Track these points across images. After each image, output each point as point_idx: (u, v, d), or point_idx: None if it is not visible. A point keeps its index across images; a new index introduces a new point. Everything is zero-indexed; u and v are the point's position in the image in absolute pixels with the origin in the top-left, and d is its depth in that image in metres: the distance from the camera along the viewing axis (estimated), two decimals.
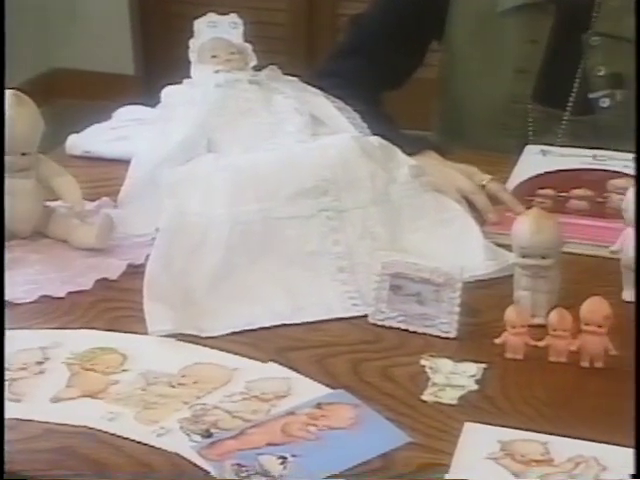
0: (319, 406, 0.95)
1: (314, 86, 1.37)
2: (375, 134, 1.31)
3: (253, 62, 1.34)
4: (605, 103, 1.52)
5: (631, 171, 1.35)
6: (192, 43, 1.34)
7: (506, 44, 1.54)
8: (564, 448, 0.88)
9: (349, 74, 1.53)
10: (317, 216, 1.17)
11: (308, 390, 0.97)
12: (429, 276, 1.06)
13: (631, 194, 1.10)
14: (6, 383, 0.98)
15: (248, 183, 1.17)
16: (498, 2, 1.52)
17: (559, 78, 1.53)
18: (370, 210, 1.19)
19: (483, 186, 1.32)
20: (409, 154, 1.30)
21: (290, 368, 1.01)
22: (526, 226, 1.06)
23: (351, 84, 1.49)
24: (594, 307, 0.98)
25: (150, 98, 1.44)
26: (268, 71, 1.33)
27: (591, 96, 1.52)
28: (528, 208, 1.16)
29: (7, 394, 0.96)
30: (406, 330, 1.08)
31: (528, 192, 1.35)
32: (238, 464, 0.86)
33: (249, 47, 1.35)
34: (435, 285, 1.06)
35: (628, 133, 1.49)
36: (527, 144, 1.50)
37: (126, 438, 0.91)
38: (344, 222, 1.17)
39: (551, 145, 1.50)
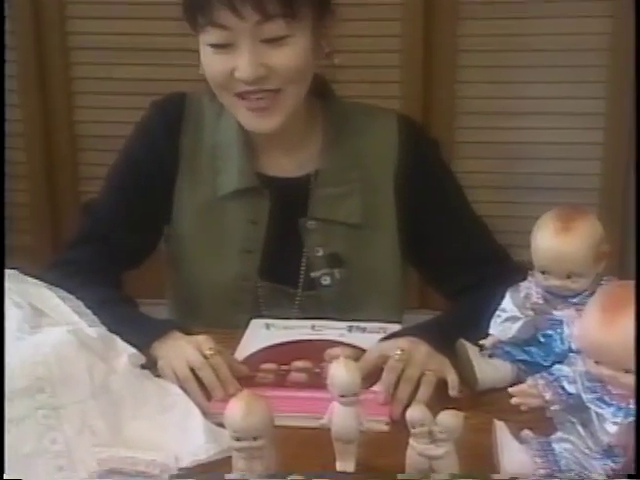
0: None
1: (49, 276, 1.39)
2: (116, 319, 1.34)
3: None
4: (326, 281, 1.60)
5: (346, 339, 1.43)
6: None
7: (229, 225, 1.61)
8: None
9: (85, 261, 1.56)
10: (32, 415, 1.15)
11: None
12: (144, 469, 1.07)
13: (334, 369, 1.15)
14: None
15: None
16: (219, 187, 1.59)
17: (283, 257, 1.60)
18: (89, 404, 1.19)
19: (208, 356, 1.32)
20: (153, 336, 1.34)
21: None
22: (236, 410, 1.08)
23: (88, 270, 1.52)
24: None
25: None
26: None
27: (312, 275, 1.60)
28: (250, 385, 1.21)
29: None
30: None
31: (252, 367, 1.38)
32: None
33: None
34: (151, 478, 1.07)
35: (350, 306, 1.59)
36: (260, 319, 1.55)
37: None
38: (61, 419, 1.16)
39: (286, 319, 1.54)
